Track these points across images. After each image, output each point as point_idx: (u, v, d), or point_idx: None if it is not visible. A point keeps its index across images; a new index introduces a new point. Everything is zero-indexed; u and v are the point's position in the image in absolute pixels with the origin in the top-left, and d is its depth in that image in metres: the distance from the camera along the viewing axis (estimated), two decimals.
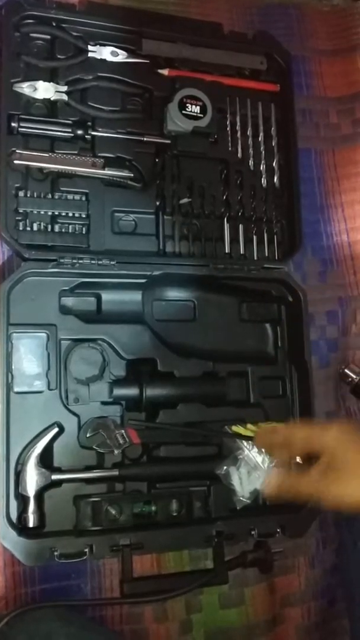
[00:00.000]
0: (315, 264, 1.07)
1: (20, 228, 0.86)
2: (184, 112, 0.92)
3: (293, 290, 0.96)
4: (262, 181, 0.99)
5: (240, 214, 0.98)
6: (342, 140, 1.13)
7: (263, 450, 0.89)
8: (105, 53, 0.92)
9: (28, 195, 0.87)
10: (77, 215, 0.89)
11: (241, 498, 0.89)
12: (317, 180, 1.10)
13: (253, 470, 0.89)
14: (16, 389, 0.83)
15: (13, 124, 0.85)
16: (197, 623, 0.91)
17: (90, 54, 0.91)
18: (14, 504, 0.79)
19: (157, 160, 0.94)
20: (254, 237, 0.98)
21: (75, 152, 0.90)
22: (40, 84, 0.88)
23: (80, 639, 0.75)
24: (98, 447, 0.85)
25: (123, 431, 0.86)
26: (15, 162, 0.86)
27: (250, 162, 0.99)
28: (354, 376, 1.02)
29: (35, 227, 0.87)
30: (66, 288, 0.87)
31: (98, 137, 0.90)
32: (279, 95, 1.02)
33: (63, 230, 0.88)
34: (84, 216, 0.89)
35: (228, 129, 0.98)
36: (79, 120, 0.90)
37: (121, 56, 0.93)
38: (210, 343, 0.95)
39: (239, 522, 0.88)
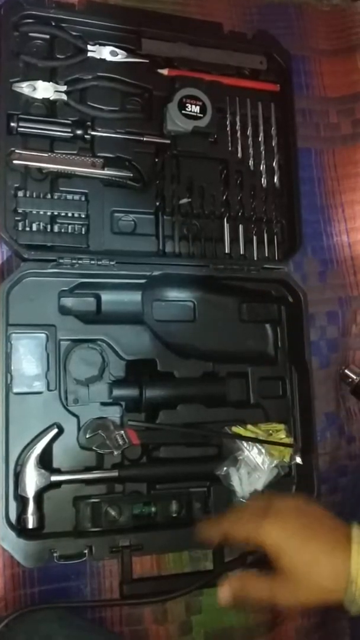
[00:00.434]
0: (315, 264, 1.07)
1: (20, 228, 0.86)
2: (183, 112, 0.92)
3: (293, 291, 0.96)
4: (262, 181, 0.99)
5: (240, 214, 0.97)
6: (342, 140, 1.12)
7: (263, 451, 0.89)
8: (105, 53, 0.91)
9: (27, 195, 0.86)
10: (76, 215, 0.88)
11: (241, 499, 0.88)
12: (317, 180, 1.10)
13: (253, 471, 0.89)
14: (15, 390, 0.83)
15: (12, 124, 0.85)
16: (197, 624, 0.91)
17: (89, 54, 0.90)
18: (13, 505, 0.79)
19: (156, 160, 0.94)
20: (254, 238, 0.98)
21: (75, 152, 0.89)
22: (40, 84, 0.87)
23: None
24: (97, 448, 0.84)
25: (123, 432, 0.85)
26: (15, 162, 0.86)
27: (250, 162, 0.98)
28: (354, 377, 1.02)
29: (34, 227, 0.86)
30: (65, 288, 0.87)
31: (97, 137, 0.90)
32: (279, 95, 1.02)
33: (62, 230, 0.88)
34: (83, 216, 0.89)
35: (228, 128, 0.97)
36: (79, 120, 0.89)
37: (120, 56, 0.92)
38: (210, 343, 0.95)
39: None
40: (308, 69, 1.13)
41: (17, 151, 0.86)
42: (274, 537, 0.60)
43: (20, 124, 0.86)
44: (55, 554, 0.78)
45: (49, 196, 0.88)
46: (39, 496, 0.81)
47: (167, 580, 0.88)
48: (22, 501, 0.80)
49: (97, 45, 0.91)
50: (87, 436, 0.85)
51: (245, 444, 0.89)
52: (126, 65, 0.93)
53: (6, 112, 0.85)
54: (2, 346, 0.81)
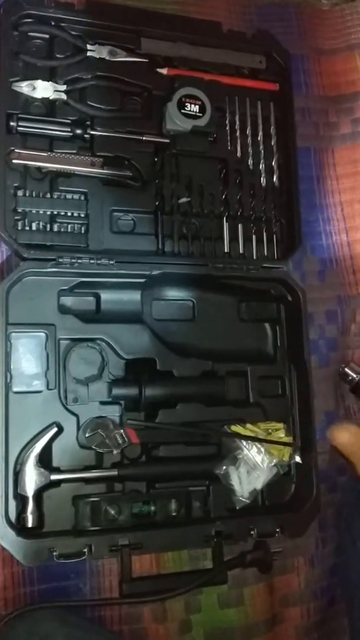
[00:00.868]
0: (314, 263, 1.07)
1: (19, 227, 0.86)
2: (183, 111, 0.92)
3: (292, 290, 0.96)
4: (262, 180, 0.99)
5: (239, 213, 0.97)
6: (342, 139, 1.12)
7: (263, 449, 0.90)
8: (104, 52, 0.91)
9: (27, 194, 0.87)
10: (75, 214, 0.89)
11: (240, 498, 0.88)
12: (317, 179, 1.10)
13: (252, 470, 0.89)
14: (15, 389, 0.83)
15: (12, 123, 0.85)
16: (197, 623, 0.91)
17: (89, 53, 0.90)
18: (12, 504, 0.79)
19: (156, 159, 0.94)
20: (253, 237, 0.98)
21: (74, 151, 0.89)
22: (39, 83, 0.87)
23: (78, 639, 0.75)
24: (97, 447, 0.85)
25: (122, 431, 0.85)
26: (14, 161, 0.86)
27: (250, 161, 0.98)
28: (354, 375, 1.02)
29: (34, 227, 0.87)
30: (65, 287, 0.87)
31: (97, 137, 0.90)
32: (278, 94, 1.01)
33: (62, 229, 0.88)
34: (82, 215, 0.89)
35: (227, 128, 0.97)
36: (78, 119, 0.89)
37: (120, 55, 0.92)
38: (209, 342, 0.95)
39: (238, 522, 0.88)
40: (307, 68, 1.13)
41: (16, 150, 0.86)
42: None
43: (20, 124, 0.86)
44: (54, 553, 0.78)
45: (48, 195, 0.88)
46: (38, 495, 0.81)
47: (167, 579, 0.88)
48: (21, 500, 0.80)
49: (97, 45, 0.91)
50: (87, 435, 0.85)
51: (244, 442, 0.90)
52: (125, 64, 0.93)
53: (5, 111, 0.85)
54: (2, 345, 0.81)
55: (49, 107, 0.89)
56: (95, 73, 0.91)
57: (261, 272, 0.96)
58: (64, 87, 0.89)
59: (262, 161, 0.99)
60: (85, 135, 0.89)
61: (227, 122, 0.98)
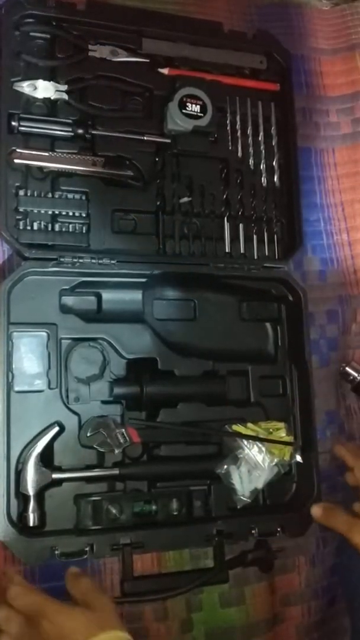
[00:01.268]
0: (315, 263, 1.07)
1: (21, 227, 0.86)
2: (184, 111, 0.92)
3: (293, 290, 0.96)
4: (262, 180, 0.99)
5: (240, 213, 0.98)
6: (342, 139, 1.12)
7: (264, 449, 0.90)
8: (105, 52, 0.92)
9: (28, 194, 0.87)
10: (77, 214, 0.89)
11: (241, 497, 0.89)
12: (317, 179, 1.10)
13: (253, 469, 0.89)
14: (17, 388, 0.83)
15: (13, 123, 0.85)
16: (198, 622, 0.91)
17: (90, 53, 0.91)
18: (14, 503, 0.79)
19: (157, 159, 0.94)
20: (254, 236, 0.98)
21: (76, 151, 0.89)
22: (41, 83, 0.87)
23: None
24: (98, 446, 0.85)
25: (123, 430, 0.86)
26: (16, 161, 0.86)
27: (251, 161, 0.99)
28: (356, 374, 1.02)
29: (35, 226, 0.87)
30: (66, 287, 0.87)
31: (98, 136, 0.90)
32: (279, 95, 1.02)
33: (63, 229, 0.88)
34: (84, 215, 0.89)
35: (228, 128, 0.98)
36: (79, 119, 0.90)
37: (121, 55, 0.93)
38: (210, 342, 0.95)
39: (239, 521, 0.88)
40: (308, 68, 1.13)
41: (18, 150, 0.86)
42: None
43: (21, 123, 0.86)
44: (56, 552, 0.78)
45: (49, 195, 0.88)
46: (40, 494, 0.81)
47: (168, 578, 0.88)
48: (23, 499, 0.80)
49: (98, 45, 0.91)
50: (88, 434, 0.85)
51: (245, 442, 0.90)
52: (127, 64, 0.93)
53: (7, 111, 0.85)
54: (4, 345, 0.81)
55: (51, 107, 0.89)
56: (96, 73, 0.91)
57: (262, 272, 0.96)
58: (65, 87, 0.89)
59: (263, 161, 0.99)
60: (87, 135, 0.89)
61: (228, 122, 0.98)
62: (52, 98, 0.88)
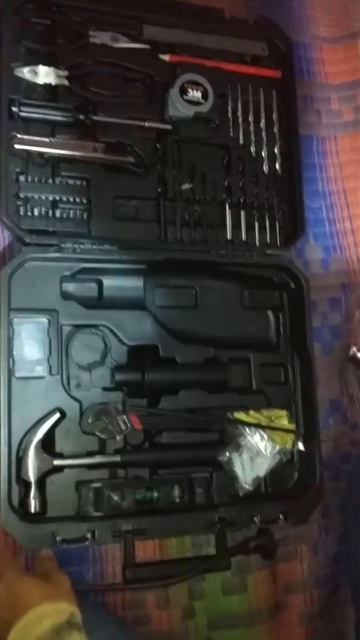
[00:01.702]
0: (317, 250, 1.07)
1: (21, 213, 0.86)
2: (185, 97, 0.92)
3: (295, 277, 0.96)
4: (264, 167, 0.99)
5: (242, 200, 0.97)
6: (344, 127, 1.12)
7: (266, 437, 0.89)
8: (106, 38, 0.91)
9: (29, 180, 0.86)
10: (78, 200, 0.88)
11: (243, 484, 0.88)
12: (319, 166, 1.09)
13: (255, 457, 0.89)
14: (17, 374, 0.83)
15: (14, 109, 0.85)
16: (200, 609, 0.91)
17: (91, 39, 0.90)
18: (15, 489, 0.79)
19: (158, 145, 0.93)
20: (256, 224, 0.97)
21: (76, 137, 0.89)
22: (41, 69, 0.87)
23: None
24: (100, 433, 0.84)
25: (125, 417, 0.85)
26: (16, 146, 0.85)
27: (252, 148, 0.98)
28: None
29: (36, 212, 0.86)
30: (67, 273, 0.87)
31: (99, 122, 0.90)
32: (281, 82, 1.01)
33: (64, 215, 0.88)
34: (85, 201, 0.89)
35: (229, 114, 0.97)
36: (80, 105, 0.89)
37: (122, 41, 0.92)
38: (212, 329, 0.94)
39: (241, 509, 0.88)
40: (309, 55, 1.13)
41: (18, 136, 0.85)
42: None
43: (22, 109, 0.86)
44: (57, 538, 0.78)
45: (50, 181, 0.88)
46: (41, 480, 0.81)
47: (170, 565, 0.88)
48: (24, 485, 0.80)
49: (99, 31, 0.91)
50: (90, 421, 0.85)
51: (247, 429, 0.89)
52: (128, 50, 0.93)
53: (8, 97, 0.85)
54: (4, 331, 0.81)
55: (51, 93, 0.89)
56: (97, 59, 0.91)
57: (264, 259, 0.96)
58: (66, 73, 0.88)
59: (264, 148, 0.99)
60: (87, 121, 0.89)
61: (229, 108, 0.97)
62: (52, 84, 0.88)
